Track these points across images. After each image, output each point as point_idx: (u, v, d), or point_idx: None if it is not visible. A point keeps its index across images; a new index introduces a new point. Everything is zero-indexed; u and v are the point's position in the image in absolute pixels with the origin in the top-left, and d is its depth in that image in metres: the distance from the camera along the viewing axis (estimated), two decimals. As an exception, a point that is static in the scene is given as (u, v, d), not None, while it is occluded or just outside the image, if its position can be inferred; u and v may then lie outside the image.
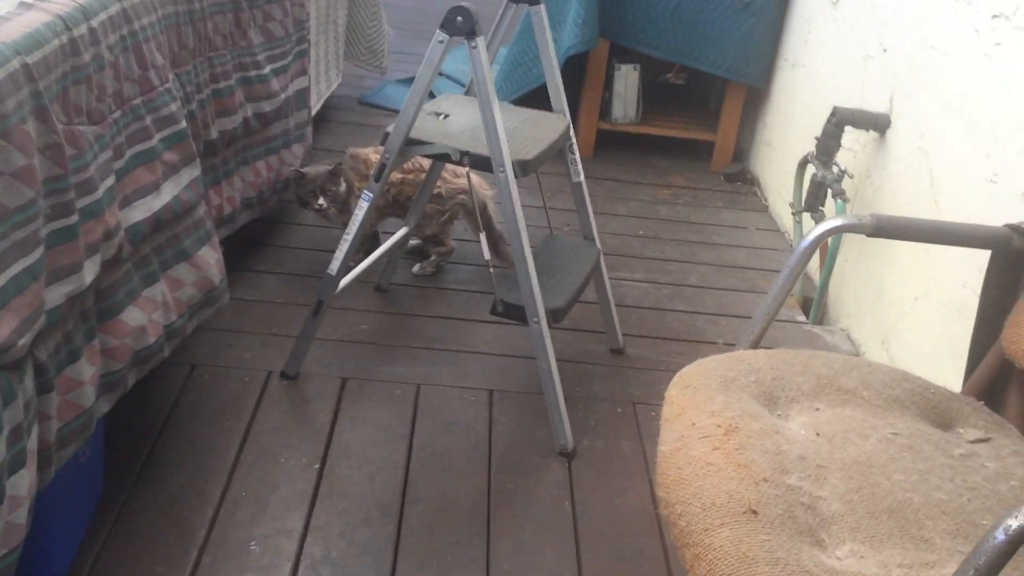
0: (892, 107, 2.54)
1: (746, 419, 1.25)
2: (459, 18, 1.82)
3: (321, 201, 2.52)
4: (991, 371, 1.46)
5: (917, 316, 2.29)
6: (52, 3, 1.40)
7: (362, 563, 1.70)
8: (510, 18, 2.17)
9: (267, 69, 2.46)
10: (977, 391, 1.47)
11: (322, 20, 3.40)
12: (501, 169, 1.88)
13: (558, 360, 2.01)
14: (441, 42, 1.86)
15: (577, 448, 2.06)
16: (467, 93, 2.26)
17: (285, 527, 1.76)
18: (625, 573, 1.75)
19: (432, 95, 2.44)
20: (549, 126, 2.12)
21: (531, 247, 1.96)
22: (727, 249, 3.11)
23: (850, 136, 2.65)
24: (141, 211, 1.61)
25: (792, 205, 2.83)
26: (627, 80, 3.67)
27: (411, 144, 1.97)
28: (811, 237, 1.43)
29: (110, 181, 1.50)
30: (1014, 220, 1.90)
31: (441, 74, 4.22)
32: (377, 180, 1.99)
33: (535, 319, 1.96)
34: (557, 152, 2.13)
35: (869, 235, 1.42)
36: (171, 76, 1.75)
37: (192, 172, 1.77)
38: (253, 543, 1.71)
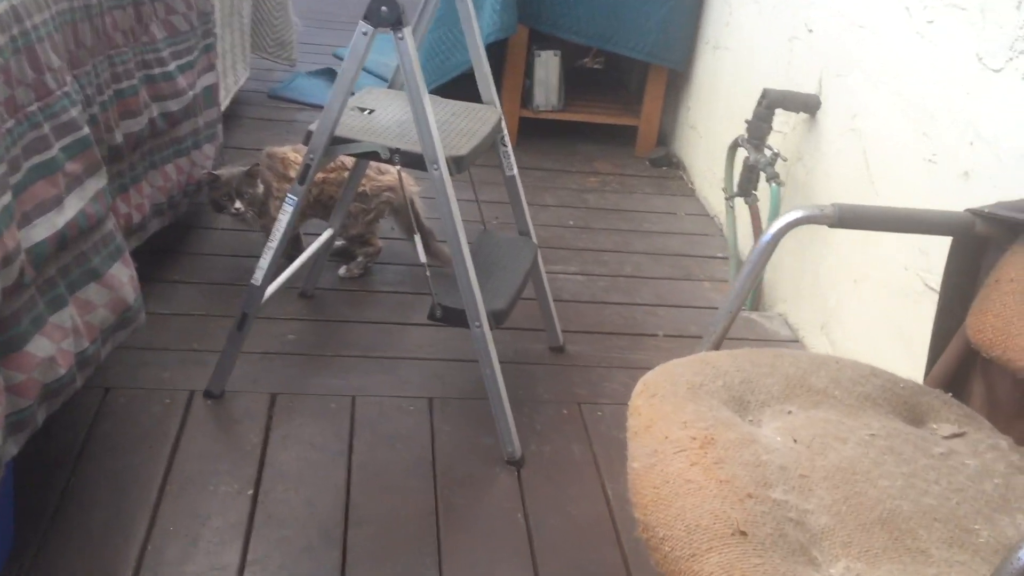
0: (821, 88, 2.51)
1: (720, 428, 1.18)
2: (383, 8, 1.70)
3: (238, 204, 2.37)
4: (955, 360, 1.42)
5: (858, 299, 2.27)
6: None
7: (307, 597, 1.59)
8: (432, 6, 2.05)
9: (172, 66, 2.29)
10: (941, 381, 1.44)
11: (226, 12, 3.22)
12: (435, 166, 1.77)
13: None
14: (365, 34, 1.74)
15: (525, 455, 1.97)
16: (391, 86, 2.14)
17: (220, 562, 1.63)
18: (586, 586, 1.68)
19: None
20: (481, 118, 2.02)
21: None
22: (659, 236, 3.06)
23: (779, 118, 2.61)
24: (43, 229, 1.45)
25: (725, 190, 2.78)
26: (548, 66, 3.59)
27: (337, 143, 1.84)
28: (771, 232, 1.36)
29: (6, 199, 1.34)
30: (955, 201, 1.89)
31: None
32: (301, 182, 1.86)
33: (477, 323, 1.87)
34: (490, 145, 2.03)
35: (831, 226, 1.36)
36: (69, 78, 1.59)
37: (98, 182, 1.61)
38: (186, 583, 1.58)
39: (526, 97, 3.66)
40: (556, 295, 2.51)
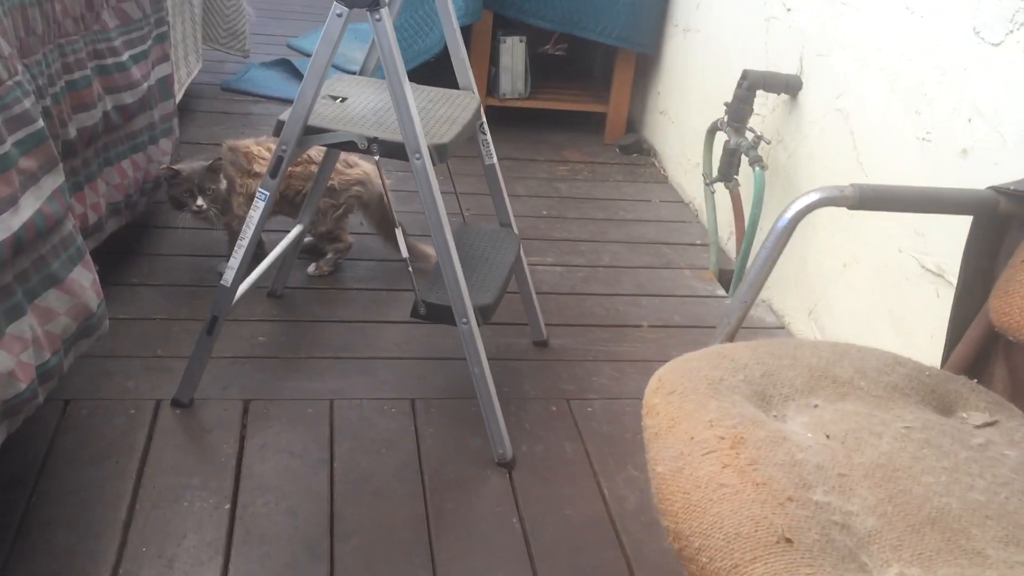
0: (802, 68, 2.45)
1: (749, 426, 1.10)
2: (359, -14, 1.59)
3: (200, 202, 2.24)
4: (975, 345, 1.36)
5: (847, 284, 2.21)
6: None
7: (296, 618, 1.48)
8: (404, -13, 1.95)
9: (125, 56, 2.16)
10: (962, 367, 1.38)
11: (177, 1, 3.07)
12: (417, 156, 1.67)
13: (482, 359, 1.83)
14: (340, 15, 1.63)
15: (516, 455, 1.88)
16: (362, 73, 2.03)
17: (200, 585, 1.52)
18: (590, 593, 1.60)
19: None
20: (460, 105, 1.92)
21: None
22: (635, 224, 2.99)
23: (758, 100, 2.55)
24: (-3, 232, 1.33)
25: (704, 176, 2.71)
26: (514, 53, 3.49)
27: (310, 133, 1.73)
28: (788, 216, 1.29)
29: (-46, 198, 1.22)
30: (953, 179, 1.83)
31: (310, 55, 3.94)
32: (274, 175, 1.75)
33: (464, 320, 1.77)
34: (471, 133, 1.93)
35: (851, 208, 1.29)
36: (20, 67, 1.46)
37: (55, 180, 1.48)
38: (165, 609, 1.47)
39: (491, 85, 3.56)
40: (536, 287, 2.42)
